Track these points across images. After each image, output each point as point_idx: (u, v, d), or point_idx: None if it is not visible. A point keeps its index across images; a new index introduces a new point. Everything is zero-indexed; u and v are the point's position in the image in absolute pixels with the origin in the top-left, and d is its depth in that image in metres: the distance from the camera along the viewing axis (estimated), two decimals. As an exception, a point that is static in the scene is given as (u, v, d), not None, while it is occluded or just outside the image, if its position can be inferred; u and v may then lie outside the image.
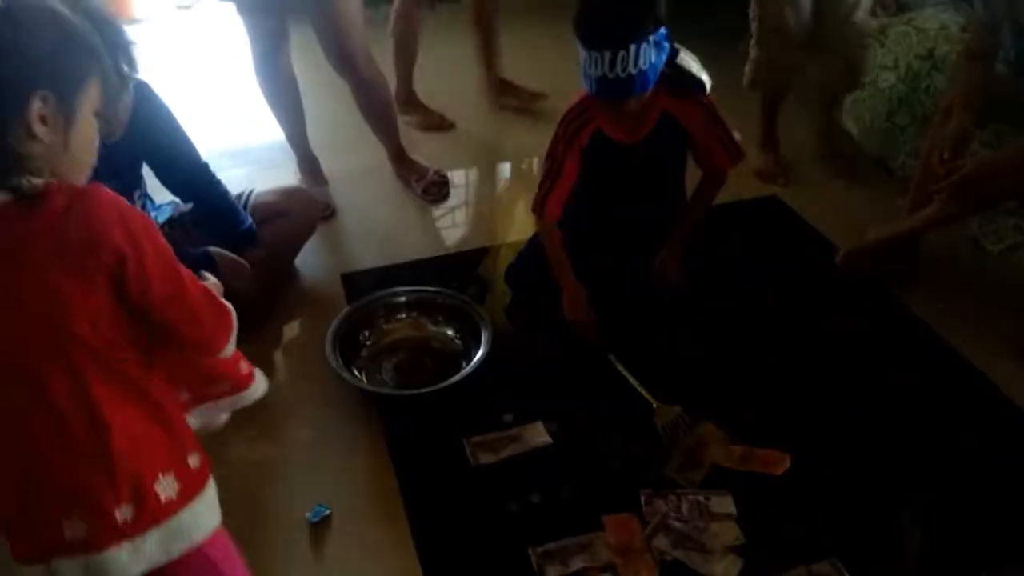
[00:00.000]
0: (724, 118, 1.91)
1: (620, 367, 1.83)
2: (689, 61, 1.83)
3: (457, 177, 2.66)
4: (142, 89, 1.80)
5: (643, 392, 1.77)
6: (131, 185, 1.87)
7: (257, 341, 2.00)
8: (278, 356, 2.01)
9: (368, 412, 1.80)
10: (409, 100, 2.88)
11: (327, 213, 2.44)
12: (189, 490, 1.01)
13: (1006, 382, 1.84)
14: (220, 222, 2.01)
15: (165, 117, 1.89)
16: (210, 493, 1.06)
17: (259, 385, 1.24)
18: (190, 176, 1.97)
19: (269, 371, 1.93)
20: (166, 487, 0.98)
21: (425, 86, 2.92)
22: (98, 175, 1.67)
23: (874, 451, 1.71)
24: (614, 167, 1.89)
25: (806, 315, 2.07)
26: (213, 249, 1.90)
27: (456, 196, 2.58)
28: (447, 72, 3.07)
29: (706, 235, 2.15)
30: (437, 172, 2.58)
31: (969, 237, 2.26)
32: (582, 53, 1.69)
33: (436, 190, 2.55)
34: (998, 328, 1.97)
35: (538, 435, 1.73)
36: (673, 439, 1.70)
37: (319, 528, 1.56)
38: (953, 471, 1.66)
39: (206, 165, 1.99)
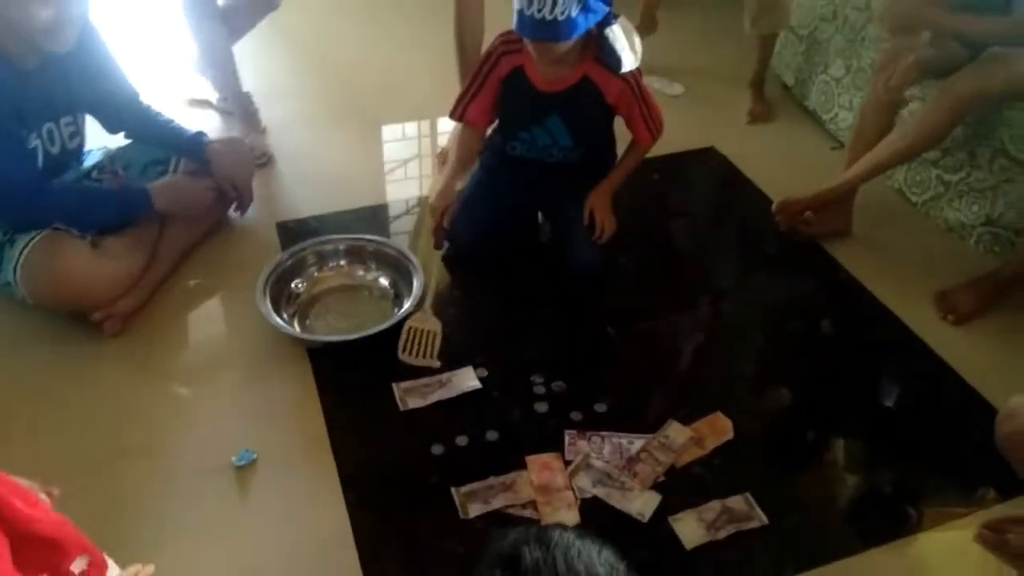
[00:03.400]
0: (649, 93, 1.93)
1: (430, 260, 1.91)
2: (620, 33, 1.82)
3: (409, 129, 2.63)
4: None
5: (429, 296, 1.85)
6: (62, 110, 1.81)
7: (188, 289, 2.00)
8: (210, 304, 1.99)
9: (299, 359, 1.80)
10: None
11: (263, 161, 2.41)
12: None
13: (925, 329, 1.90)
14: (167, 140, 2.01)
15: (102, 45, 1.88)
16: None
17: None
18: (130, 105, 1.97)
19: (201, 318, 1.96)
20: None
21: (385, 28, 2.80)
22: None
23: (797, 399, 1.77)
24: (526, 107, 1.93)
25: (738, 267, 2.12)
26: (154, 184, 1.93)
27: (408, 148, 2.55)
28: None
29: (643, 186, 2.17)
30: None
31: (895, 189, 2.32)
32: None
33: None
34: (918, 276, 2.03)
35: (467, 380, 1.75)
36: (409, 351, 1.78)
37: (245, 472, 1.57)
38: (873, 416, 1.73)
39: (138, 93, 2.00)
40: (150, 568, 1.13)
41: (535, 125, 1.93)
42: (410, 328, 1.81)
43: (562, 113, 1.90)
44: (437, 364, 1.77)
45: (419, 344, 1.79)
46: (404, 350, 1.79)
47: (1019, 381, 1.59)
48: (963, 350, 1.84)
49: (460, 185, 1.99)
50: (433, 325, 1.82)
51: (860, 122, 2.14)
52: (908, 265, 2.08)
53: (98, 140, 2.03)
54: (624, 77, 1.86)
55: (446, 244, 1.94)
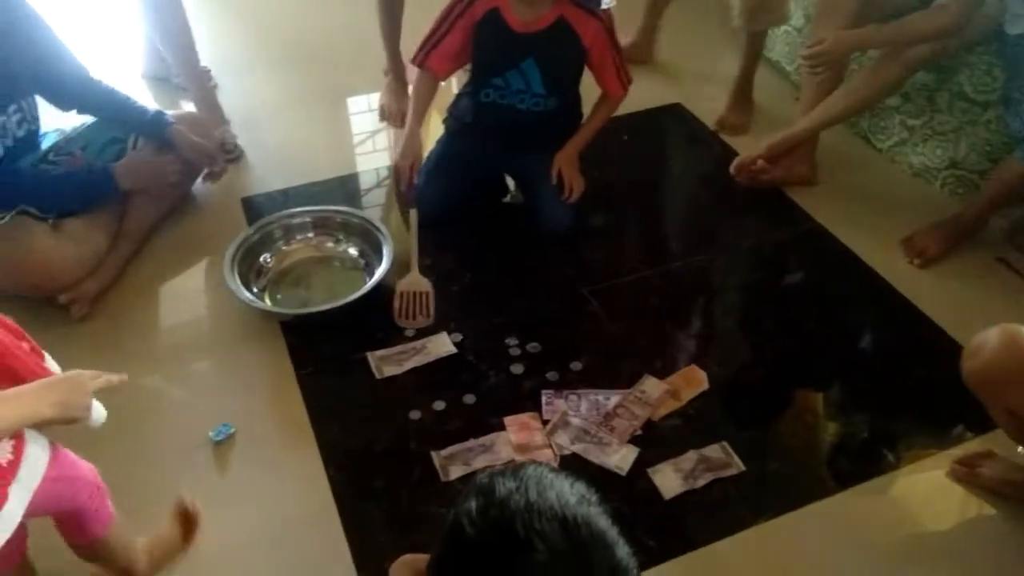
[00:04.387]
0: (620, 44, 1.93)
1: (412, 224, 1.90)
2: None
3: (375, 100, 2.59)
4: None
5: (414, 259, 1.87)
6: (6, 100, 1.75)
7: (156, 268, 1.97)
8: (179, 282, 1.97)
9: (272, 333, 1.78)
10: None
11: (235, 155, 2.29)
12: None
13: (893, 273, 1.92)
14: (126, 119, 1.96)
15: (42, 26, 1.81)
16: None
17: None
18: (79, 83, 1.90)
19: (170, 296, 1.93)
20: None
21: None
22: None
23: (769, 348, 1.79)
24: (501, 51, 1.90)
25: (708, 221, 2.13)
26: (118, 163, 1.90)
27: (375, 119, 2.49)
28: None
29: (613, 144, 2.17)
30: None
31: (860, 136, 2.33)
32: None
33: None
34: (885, 222, 2.05)
35: (443, 346, 1.75)
36: (404, 314, 1.80)
37: (223, 447, 1.57)
38: (845, 360, 1.76)
39: (87, 70, 1.93)
40: (113, 377, 1.18)
41: (510, 69, 1.91)
42: (403, 293, 1.82)
43: (537, 56, 1.88)
44: (430, 321, 1.80)
45: (414, 307, 1.81)
46: (400, 314, 1.80)
47: (984, 319, 1.61)
48: (930, 292, 1.87)
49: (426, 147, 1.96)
50: (425, 286, 1.84)
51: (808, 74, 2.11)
52: (875, 211, 2.10)
53: (53, 122, 1.98)
54: (599, 17, 1.86)
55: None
